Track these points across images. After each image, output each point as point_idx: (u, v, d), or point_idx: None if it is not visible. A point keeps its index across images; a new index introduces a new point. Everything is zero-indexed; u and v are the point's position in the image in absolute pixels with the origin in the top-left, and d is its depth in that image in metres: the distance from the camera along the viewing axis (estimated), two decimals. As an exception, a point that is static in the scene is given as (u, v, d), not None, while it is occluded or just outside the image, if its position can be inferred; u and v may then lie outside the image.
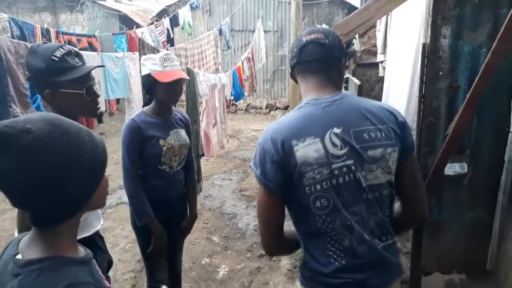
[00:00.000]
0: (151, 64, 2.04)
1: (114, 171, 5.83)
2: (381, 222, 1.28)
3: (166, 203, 2.19)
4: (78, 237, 1.48)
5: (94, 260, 1.00)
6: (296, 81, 1.42)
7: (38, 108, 3.78)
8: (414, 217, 1.39)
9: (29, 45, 4.10)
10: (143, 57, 2.17)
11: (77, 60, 1.56)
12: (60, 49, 1.52)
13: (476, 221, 2.47)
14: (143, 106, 2.23)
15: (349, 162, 1.22)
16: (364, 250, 1.26)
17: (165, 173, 2.14)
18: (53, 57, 1.48)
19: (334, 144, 1.22)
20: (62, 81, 1.50)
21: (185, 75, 2.14)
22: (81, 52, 1.65)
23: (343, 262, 1.26)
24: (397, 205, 1.39)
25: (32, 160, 0.79)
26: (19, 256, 0.87)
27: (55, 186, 0.82)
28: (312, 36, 1.33)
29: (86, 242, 1.58)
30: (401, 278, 1.39)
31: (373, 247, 1.26)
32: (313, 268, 1.31)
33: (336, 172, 1.21)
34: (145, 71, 2.08)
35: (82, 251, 0.97)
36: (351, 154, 1.22)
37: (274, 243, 1.34)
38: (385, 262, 1.29)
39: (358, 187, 1.24)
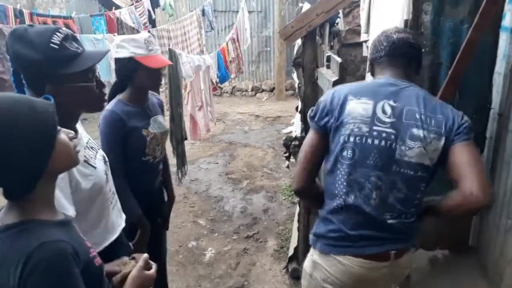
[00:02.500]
0: (133, 47, 1.86)
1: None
2: (403, 200, 1.38)
3: (149, 194, 2.12)
4: (107, 243, 1.47)
5: (75, 225, 1.05)
6: (373, 70, 1.60)
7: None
8: (465, 199, 1.30)
9: (3, 26, 3.94)
10: (120, 37, 1.97)
11: (77, 45, 1.29)
12: (57, 33, 1.23)
13: (459, 198, 2.50)
14: (113, 93, 2.02)
15: (390, 130, 1.36)
16: (367, 211, 1.38)
17: (148, 164, 2.04)
18: (52, 45, 1.21)
19: (384, 111, 1.38)
20: (67, 74, 1.25)
21: (168, 61, 2.05)
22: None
23: (341, 216, 1.42)
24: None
25: None
26: None
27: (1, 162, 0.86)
28: (403, 35, 1.50)
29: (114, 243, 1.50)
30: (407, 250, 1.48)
31: (376, 215, 1.39)
32: (321, 216, 1.52)
33: (374, 133, 1.36)
34: (124, 54, 1.87)
35: (61, 215, 1.01)
36: (396, 125, 1.36)
37: (305, 181, 1.49)
38: (387, 236, 1.41)
39: (390, 157, 1.36)
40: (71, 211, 1.26)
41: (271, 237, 3.64)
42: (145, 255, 1.19)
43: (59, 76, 1.25)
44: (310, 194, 1.58)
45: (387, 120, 1.37)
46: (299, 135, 2.70)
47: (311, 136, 1.49)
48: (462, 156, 1.34)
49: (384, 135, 1.36)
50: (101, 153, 1.52)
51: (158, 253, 2.31)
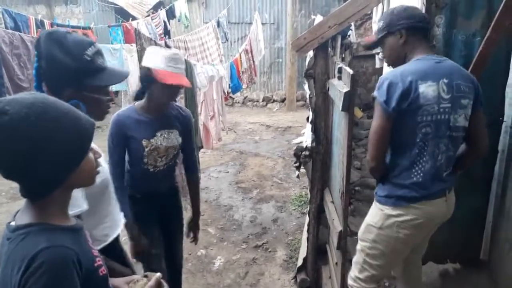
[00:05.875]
0: (154, 59, 1.90)
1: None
2: (449, 157, 1.76)
3: (156, 196, 2.16)
4: (115, 235, 1.58)
5: (85, 232, 1.07)
6: (382, 40, 1.85)
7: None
8: (478, 151, 1.84)
9: (24, 36, 4.06)
10: (152, 47, 2.01)
11: (102, 60, 1.42)
12: (92, 47, 1.36)
13: (470, 211, 2.48)
14: (135, 98, 2.08)
15: (449, 104, 1.67)
16: (434, 174, 1.72)
17: (148, 172, 2.06)
18: (85, 56, 1.33)
19: (443, 90, 1.66)
20: (90, 84, 1.37)
21: (188, 83, 1.97)
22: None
23: (420, 180, 1.72)
24: (462, 146, 1.84)
25: (5, 139, 0.87)
26: (12, 223, 0.97)
27: (28, 163, 0.89)
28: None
29: (105, 250, 1.53)
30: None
31: (440, 174, 1.74)
32: (395, 183, 1.77)
33: (441, 110, 1.66)
34: (146, 63, 1.93)
35: (72, 221, 1.04)
36: (452, 99, 1.67)
37: (380, 157, 1.75)
38: (444, 184, 1.78)
39: (447, 125, 1.69)
40: (85, 205, 1.34)
41: (280, 247, 3.63)
42: (158, 274, 1.20)
43: (82, 85, 1.35)
44: (382, 169, 1.81)
45: (446, 96, 1.66)
46: (309, 145, 2.72)
47: (382, 119, 1.69)
48: (479, 122, 1.78)
49: (446, 110, 1.67)
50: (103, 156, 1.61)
51: (171, 256, 2.35)
